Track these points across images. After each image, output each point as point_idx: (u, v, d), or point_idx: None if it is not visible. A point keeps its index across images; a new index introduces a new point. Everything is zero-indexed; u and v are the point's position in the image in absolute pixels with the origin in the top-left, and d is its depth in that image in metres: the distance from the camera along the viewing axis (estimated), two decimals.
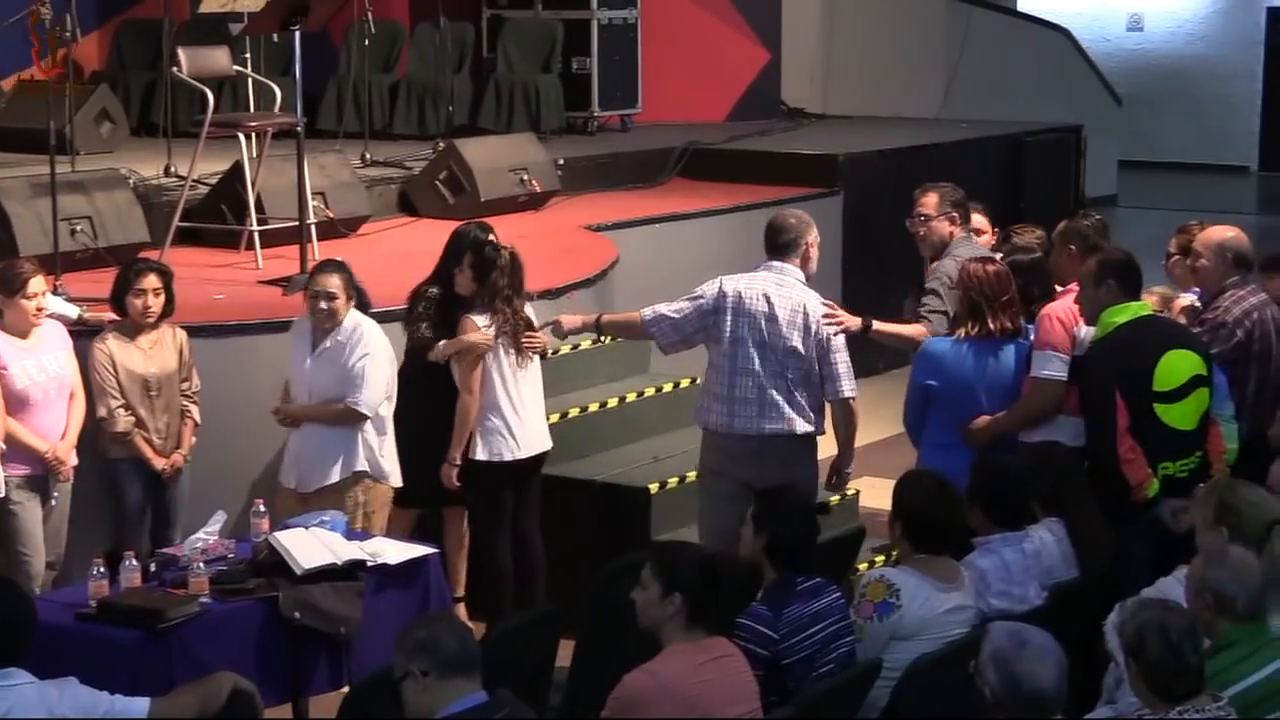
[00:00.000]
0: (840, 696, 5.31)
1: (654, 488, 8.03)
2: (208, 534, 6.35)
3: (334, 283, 7.29)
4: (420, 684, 4.39)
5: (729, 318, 6.94)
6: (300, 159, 8.87)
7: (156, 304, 7.31)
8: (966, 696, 4.52)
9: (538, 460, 7.55)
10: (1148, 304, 6.68)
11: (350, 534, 6.59)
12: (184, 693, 4.91)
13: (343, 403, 7.27)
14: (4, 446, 6.92)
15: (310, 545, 6.25)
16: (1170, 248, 7.70)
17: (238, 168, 9.65)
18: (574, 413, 8.45)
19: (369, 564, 6.32)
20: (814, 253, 7.14)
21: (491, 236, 7.55)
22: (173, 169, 10.38)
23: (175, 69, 9.84)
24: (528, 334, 7.47)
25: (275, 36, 10.87)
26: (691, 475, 8.12)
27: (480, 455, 7.36)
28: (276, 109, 9.83)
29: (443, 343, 7.40)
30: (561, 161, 11.90)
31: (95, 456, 7.34)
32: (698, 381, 8.83)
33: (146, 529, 7.35)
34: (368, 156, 11.48)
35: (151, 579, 6.09)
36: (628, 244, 10.44)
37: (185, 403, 7.40)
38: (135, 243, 9.07)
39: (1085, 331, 6.67)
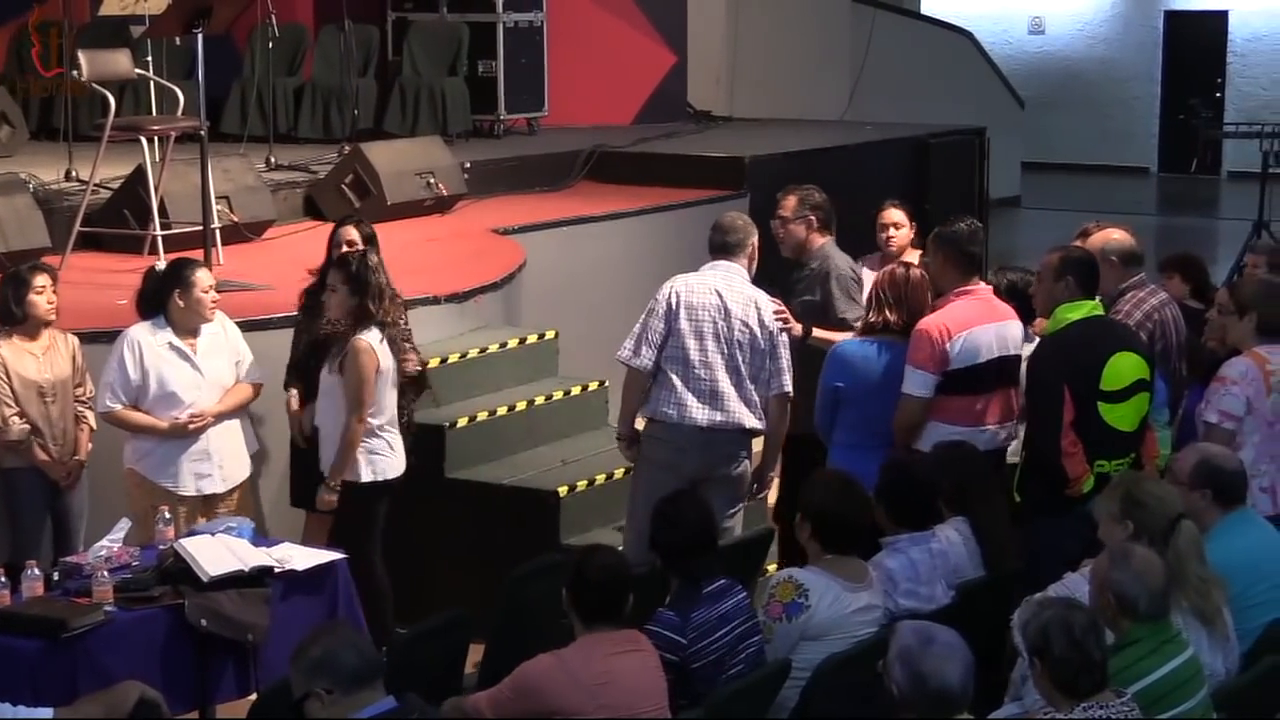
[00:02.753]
0: (750, 697, 5.31)
1: (563, 491, 8.02)
2: (111, 542, 6.26)
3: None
4: (325, 702, 4.33)
5: (683, 312, 7.04)
6: (204, 163, 8.78)
7: (55, 300, 7.24)
8: (875, 695, 4.53)
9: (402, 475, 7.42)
10: (1099, 305, 6.73)
11: (257, 540, 6.52)
12: (88, 702, 4.85)
13: (242, 384, 7.31)
14: None
15: (217, 552, 6.20)
16: None
17: (140, 172, 9.55)
18: (482, 416, 8.43)
19: (276, 570, 6.27)
20: (755, 254, 7.30)
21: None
22: (74, 173, 10.27)
23: (75, 72, 9.75)
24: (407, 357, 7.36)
25: (177, 39, 10.75)
26: (600, 478, 8.20)
27: (365, 477, 7.10)
28: (179, 112, 9.76)
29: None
30: (468, 165, 11.85)
31: None
32: (606, 385, 8.91)
33: (46, 538, 7.21)
34: (272, 160, 11.39)
35: (54, 588, 6.00)
36: (535, 247, 10.40)
37: (80, 409, 7.31)
38: (36, 248, 8.96)
39: (959, 345, 6.73)
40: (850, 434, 6.95)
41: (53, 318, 7.25)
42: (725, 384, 7.05)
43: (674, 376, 7.04)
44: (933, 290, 7.01)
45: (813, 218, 7.71)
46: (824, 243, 7.75)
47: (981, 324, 6.82)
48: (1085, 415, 6.38)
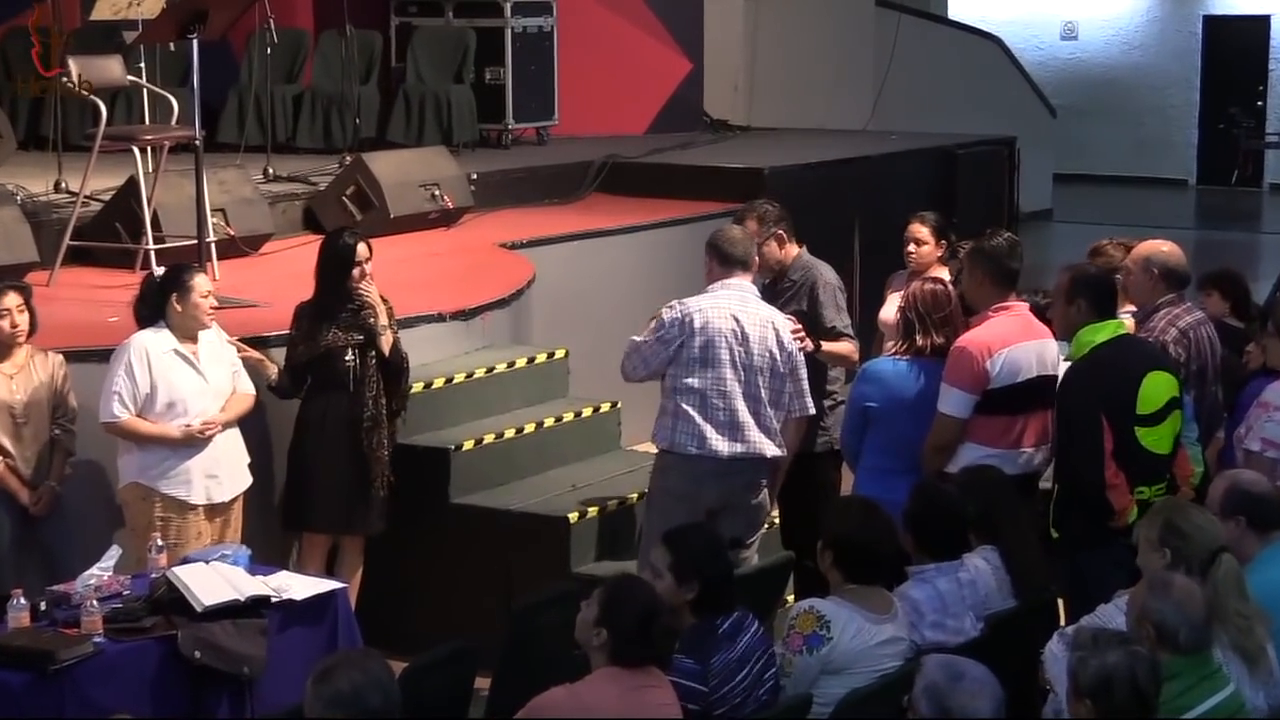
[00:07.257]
0: None
1: (574, 517, 7.94)
2: (101, 570, 6.19)
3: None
4: None
5: (698, 340, 6.95)
6: (199, 174, 8.70)
7: (23, 322, 7.13)
8: None
9: None
10: (1123, 323, 6.64)
11: (253, 568, 6.46)
12: None
13: (242, 393, 7.32)
14: None
15: (211, 581, 6.15)
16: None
17: (133, 183, 9.44)
18: (489, 438, 8.33)
19: (273, 600, 6.24)
20: (759, 263, 7.28)
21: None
22: (63, 184, 10.22)
23: (65, 79, 9.67)
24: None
25: (172, 45, 10.68)
26: (613, 504, 8.16)
27: None
28: (173, 121, 9.69)
29: None
30: (475, 176, 11.77)
31: None
32: (618, 406, 9.01)
33: (23, 564, 6.98)
34: (270, 171, 11.33)
35: (41, 618, 5.96)
36: (545, 262, 10.33)
37: (58, 432, 7.19)
38: (24, 263, 8.89)
39: (1000, 363, 6.64)
40: (879, 457, 6.90)
41: (19, 340, 7.13)
42: (744, 413, 6.97)
43: (688, 408, 6.97)
44: (966, 307, 6.96)
45: (780, 232, 7.65)
46: (799, 253, 7.71)
47: (1022, 341, 6.74)
48: (1124, 443, 6.27)
